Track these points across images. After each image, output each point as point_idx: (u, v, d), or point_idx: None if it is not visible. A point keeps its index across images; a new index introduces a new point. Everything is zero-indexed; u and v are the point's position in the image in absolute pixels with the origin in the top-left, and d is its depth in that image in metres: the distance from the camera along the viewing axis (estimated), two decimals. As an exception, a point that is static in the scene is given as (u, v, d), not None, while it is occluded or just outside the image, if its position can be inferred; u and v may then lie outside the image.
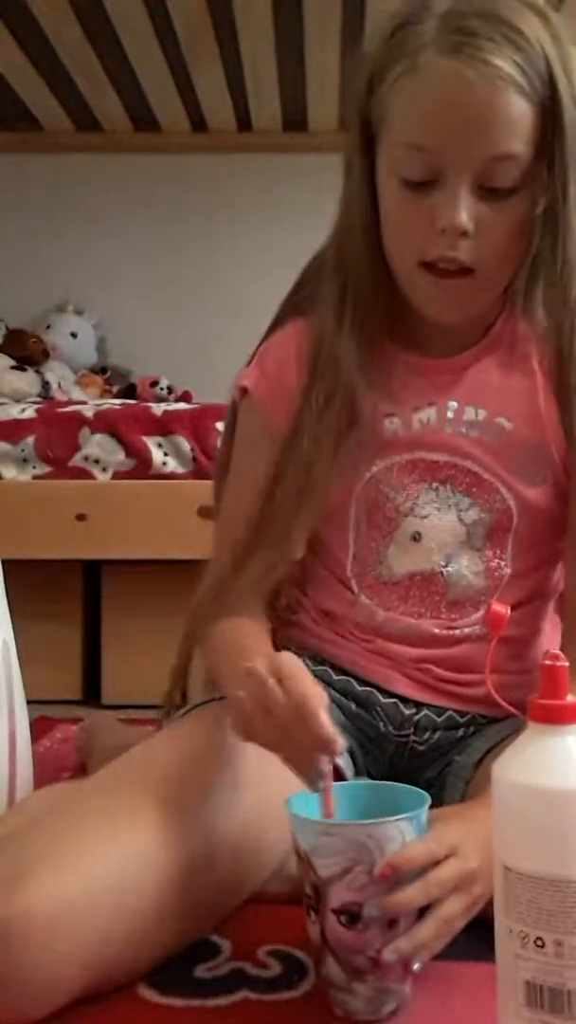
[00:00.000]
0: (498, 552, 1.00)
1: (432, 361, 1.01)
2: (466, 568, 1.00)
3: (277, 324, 1.08)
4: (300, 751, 0.77)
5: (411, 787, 0.81)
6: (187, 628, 1.02)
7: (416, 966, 0.75)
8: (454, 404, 0.99)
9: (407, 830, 0.74)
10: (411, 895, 0.73)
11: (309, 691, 0.76)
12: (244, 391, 1.05)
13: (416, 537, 1.00)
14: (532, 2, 0.87)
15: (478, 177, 0.87)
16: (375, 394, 0.99)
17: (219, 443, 1.12)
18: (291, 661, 0.79)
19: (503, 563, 1.01)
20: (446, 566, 1.00)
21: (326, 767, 0.77)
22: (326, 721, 0.75)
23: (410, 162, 0.88)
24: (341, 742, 0.76)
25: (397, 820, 0.74)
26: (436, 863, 0.74)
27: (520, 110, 0.85)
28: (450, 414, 0.99)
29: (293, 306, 1.07)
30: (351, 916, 0.73)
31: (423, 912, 0.75)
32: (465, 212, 0.87)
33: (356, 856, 0.73)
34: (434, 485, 1.00)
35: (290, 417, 0.98)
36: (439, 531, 1.00)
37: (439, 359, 1.01)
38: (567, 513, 1.00)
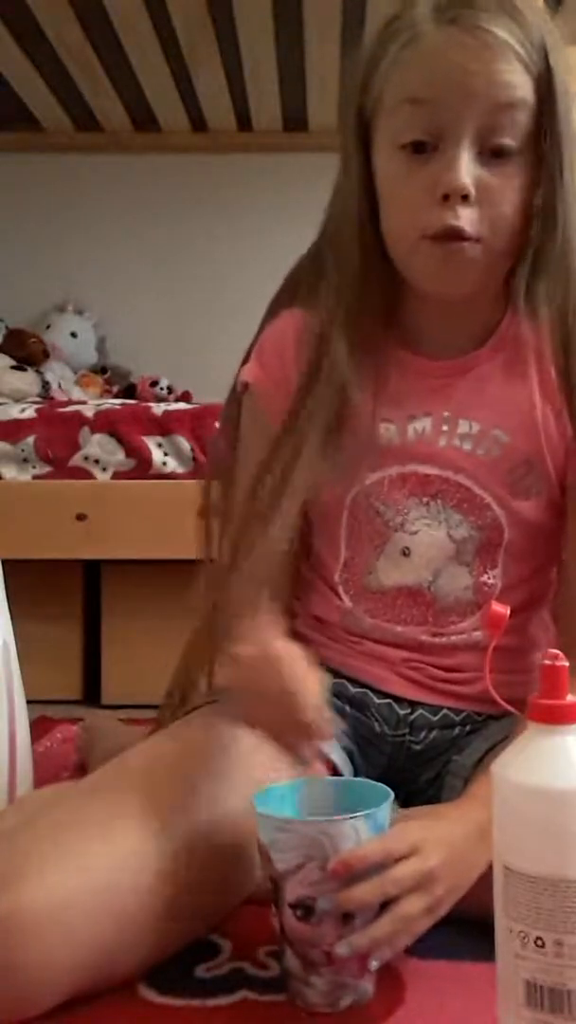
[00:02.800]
0: (487, 567, 1.00)
1: (432, 362, 1.00)
2: (454, 583, 1.00)
3: (270, 316, 1.07)
4: (294, 736, 0.79)
5: (380, 784, 0.82)
6: (197, 634, 1.00)
7: (374, 964, 0.76)
8: (449, 415, 0.98)
9: (362, 828, 0.75)
10: (365, 891, 0.74)
11: (297, 676, 0.78)
12: (245, 386, 1.04)
13: (405, 552, 1.00)
14: None
15: (478, 136, 0.87)
16: (372, 396, 0.98)
17: (215, 438, 1.12)
18: (282, 647, 0.80)
19: (493, 578, 1.00)
20: (433, 581, 1.00)
21: (309, 753, 0.80)
22: (311, 708, 0.77)
23: (409, 121, 0.88)
24: (327, 728, 0.78)
25: (352, 818, 0.75)
26: (396, 861, 0.75)
27: (517, 68, 0.86)
28: (445, 426, 0.98)
29: (285, 300, 1.06)
30: (305, 910, 0.75)
31: (385, 910, 0.76)
32: (466, 174, 0.87)
33: (310, 852, 0.74)
34: (425, 500, 0.99)
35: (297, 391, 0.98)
36: (428, 547, 0.99)
37: (439, 360, 1.00)
38: (562, 524, 1.00)
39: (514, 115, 0.87)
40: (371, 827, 0.76)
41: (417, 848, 0.76)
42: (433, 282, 0.94)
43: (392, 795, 0.79)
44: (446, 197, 0.87)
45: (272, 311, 1.07)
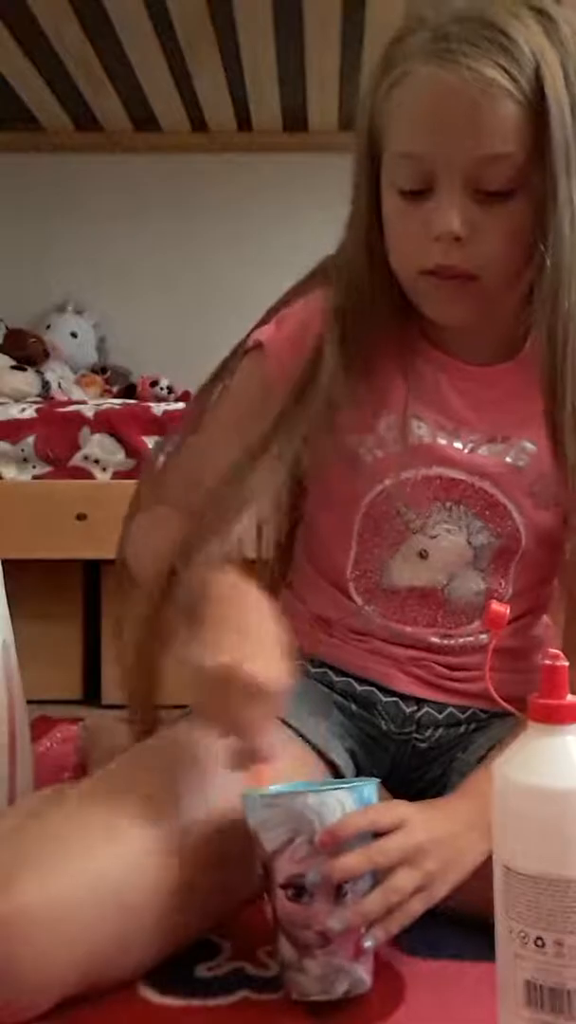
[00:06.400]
0: (501, 574, 1.01)
1: (463, 366, 1.00)
2: (467, 587, 1.00)
3: (301, 289, 1.05)
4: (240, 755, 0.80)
5: (369, 778, 0.83)
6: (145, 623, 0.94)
7: (368, 943, 0.76)
8: (479, 425, 0.99)
9: (347, 801, 0.76)
10: (351, 860, 0.75)
11: (253, 705, 0.77)
12: (258, 345, 1.03)
13: (423, 554, 1.00)
14: (534, 3, 0.86)
15: (469, 180, 0.86)
16: (405, 393, 0.98)
17: (206, 383, 1.07)
18: (246, 671, 0.76)
19: (504, 584, 1.01)
20: (448, 584, 1.00)
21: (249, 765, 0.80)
22: (258, 738, 0.78)
23: (403, 171, 0.89)
24: (271, 756, 0.79)
25: (336, 790, 0.77)
26: (383, 836, 0.76)
27: (506, 111, 0.84)
28: (474, 435, 0.99)
29: (320, 280, 1.04)
30: (297, 890, 0.76)
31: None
32: (457, 218, 0.87)
33: (297, 827, 0.75)
34: (448, 505, 0.99)
35: (290, 386, 0.96)
36: (447, 552, 0.99)
37: (470, 365, 1.00)
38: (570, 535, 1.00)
39: (503, 164, 0.86)
40: (356, 801, 0.77)
41: (404, 822, 0.78)
42: (433, 314, 0.96)
43: (378, 779, 0.81)
44: (438, 237, 0.88)
45: (304, 286, 1.05)
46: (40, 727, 1.68)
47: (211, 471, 0.97)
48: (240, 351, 1.05)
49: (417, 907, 0.78)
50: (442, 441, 0.99)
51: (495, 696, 0.78)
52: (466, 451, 0.98)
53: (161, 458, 1.10)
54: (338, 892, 0.75)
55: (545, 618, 1.09)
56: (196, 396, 1.09)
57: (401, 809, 0.80)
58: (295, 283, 1.06)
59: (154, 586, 0.91)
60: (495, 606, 0.82)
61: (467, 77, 0.83)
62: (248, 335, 1.05)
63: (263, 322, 1.05)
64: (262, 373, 1.02)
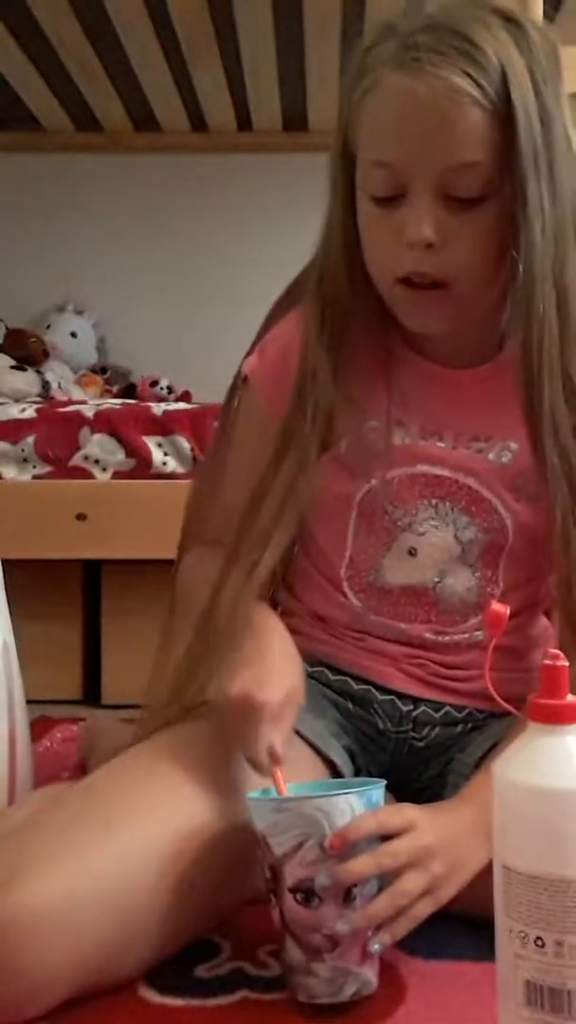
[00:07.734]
0: (490, 569, 1.01)
1: (442, 369, 1.01)
2: (458, 584, 1.00)
3: (276, 314, 1.07)
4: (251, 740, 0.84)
5: (374, 779, 0.84)
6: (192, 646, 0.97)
7: (375, 947, 0.77)
8: (460, 426, 0.99)
9: (357, 805, 0.77)
10: (360, 863, 0.75)
11: (266, 730, 0.83)
12: (245, 379, 1.05)
13: (412, 552, 1.00)
14: (503, 11, 0.87)
15: (441, 187, 0.87)
16: (385, 397, 0.99)
17: (216, 423, 1.11)
18: (266, 702, 0.83)
19: (495, 580, 1.01)
20: (439, 581, 1.00)
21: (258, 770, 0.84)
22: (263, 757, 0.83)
23: (375, 179, 0.89)
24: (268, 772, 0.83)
25: (346, 794, 0.77)
26: (391, 838, 0.77)
27: (475, 119, 0.84)
28: (456, 435, 0.99)
29: (292, 300, 1.06)
30: (306, 893, 0.76)
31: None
32: (429, 225, 0.87)
33: (307, 831, 0.76)
34: (433, 501, 0.99)
35: (286, 407, 0.97)
36: (435, 548, 1.00)
37: (449, 368, 1.01)
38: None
39: (473, 172, 0.86)
40: (365, 804, 0.77)
41: (412, 825, 0.78)
42: (408, 322, 0.96)
43: (384, 781, 0.81)
44: (410, 244, 0.88)
45: (279, 310, 1.07)
46: (40, 727, 1.68)
47: (235, 507, 1.00)
48: (237, 382, 1.07)
49: (423, 910, 0.78)
50: (424, 441, 0.99)
51: (495, 696, 0.78)
52: (449, 449, 0.99)
53: (197, 493, 1.14)
54: (347, 896, 0.76)
55: (543, 619, 1.09)
56: (216, 432, 1.12)
57: (409, 812, 0.80)
58: (276, 301, 1.08)
59: (201, 617, 0.96)
60: (495, 606, 0.82)
61: (434, 86, 0.84)
62: (239, 369, 1.07)
63: (250, 351, 1.06)
64: (255, 405, 1.04)
